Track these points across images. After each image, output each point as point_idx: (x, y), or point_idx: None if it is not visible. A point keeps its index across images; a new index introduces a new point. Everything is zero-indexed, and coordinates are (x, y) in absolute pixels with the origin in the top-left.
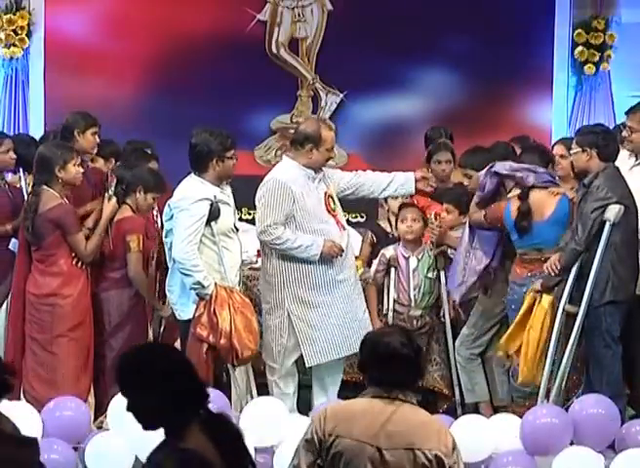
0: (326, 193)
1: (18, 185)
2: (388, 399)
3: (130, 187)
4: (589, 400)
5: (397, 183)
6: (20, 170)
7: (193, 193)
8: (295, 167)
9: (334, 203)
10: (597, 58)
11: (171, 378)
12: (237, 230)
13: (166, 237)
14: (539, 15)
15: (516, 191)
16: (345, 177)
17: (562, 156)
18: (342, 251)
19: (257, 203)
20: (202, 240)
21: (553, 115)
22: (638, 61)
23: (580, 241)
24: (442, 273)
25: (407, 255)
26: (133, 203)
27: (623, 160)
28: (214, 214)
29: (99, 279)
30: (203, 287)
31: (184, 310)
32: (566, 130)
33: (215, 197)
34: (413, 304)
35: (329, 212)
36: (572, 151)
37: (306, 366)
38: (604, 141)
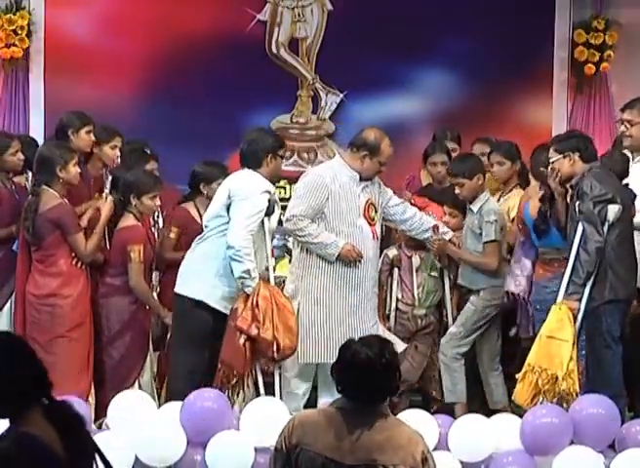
0: (368, 200)
1: (24, 185)
2: (355, 411)
3: (125, 195)
4: (589, 400)
5: (428, 234)
6: (28, 170)
7: (257, 184)
8: (342, 166)
9: (375, 212)
10: (597, 58)
11: (6, 365)
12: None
13: (208, 221)
14: (538, 15)
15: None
16: (394, 200)
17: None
18: (361, 257)
19: (294, 192)
20: (256, 235)
21: (553, 115)
22: (638, 61)
23: (598, 238)
24: (445, 271)
25: (409, 255)
26: (134, 209)
27: None
28: (270, 210)
29: (98, 285)
30: (251, 277)
31: (188, 286)
32: (566, 130)
33: (273, 193)
34: (417, 303)
35: (366, 219)
36: (552, 160)
37: (299, 361)
38: (584, 144)
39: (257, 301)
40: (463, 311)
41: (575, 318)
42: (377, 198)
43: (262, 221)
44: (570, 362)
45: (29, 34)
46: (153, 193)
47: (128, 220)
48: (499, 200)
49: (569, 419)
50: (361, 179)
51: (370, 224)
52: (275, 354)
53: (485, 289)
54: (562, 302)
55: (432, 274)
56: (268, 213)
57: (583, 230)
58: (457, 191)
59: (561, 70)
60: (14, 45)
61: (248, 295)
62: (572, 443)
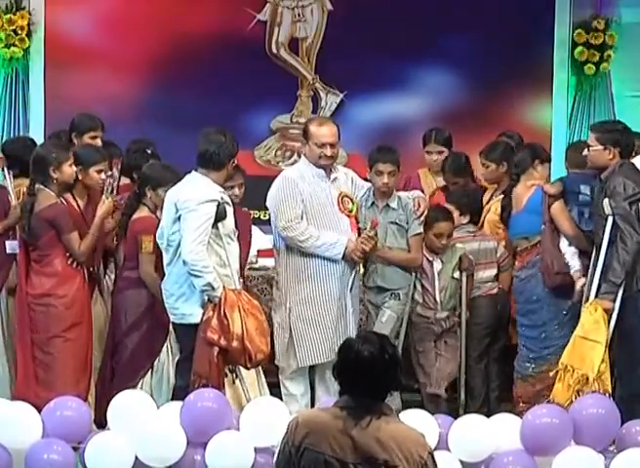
0: (341, 194)
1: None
2: (358, 410)
3: (141, 188)
4: (589, 400)
5: None
6: (5, 169)
7: (201, 194)
8: (304, 164)
9: (352, 204)
10: (597, 58)
11: None
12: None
13: (171, 235)
14: (539, 15)
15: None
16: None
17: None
18: (364, 253)
19: (269, 203)
20: (211, 241)
21: (553, 115)
22: (638, 61)
23: (638, 237)
24: (464, 275)
25: (431, 259)
26: (149, 202)
27: None
28: (220, 215)
29: (116, 280)
30: (213, 288)
31: (186, 314)
32: (566, 130)
33: (222, 198)
34: (439, 307)
35: (342, 212)
36: (593, 148)
37: (299, 365)
38: (627, 140)
39: (224, 311)
40: (386, 320)
41: (609, 318)
42: (350, 190)
43: (218, 227)
44: (601, 364)
45: (29, 34)
46: (167, 187)
47: (141, 212)
48: (489, 201)
49: (569, 419)
50: (327, 173)
51: (348, 217)
52: (248, 363)
53: (403, 288)
54: (596, 302)
55: (455, 276)
56: (219, 218)
57: (619, 229)
58: (383, 185)
59: (561, 70)
60: (14, 45)
61: (215, 305)
62: (572, 443)
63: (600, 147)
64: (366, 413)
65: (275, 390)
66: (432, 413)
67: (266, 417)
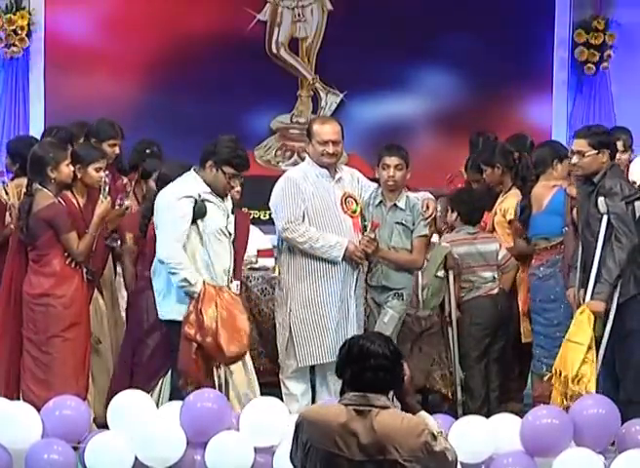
0: (345, 194)
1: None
2: (362, 406)
3: (160, 188)
4: (589, 400)
5: None
6: None
7: (178, 190)
8: (308, 164)
9: (356, 204)
10: (597, 58)
11: None
12: (230, 235)
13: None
14: (539, 15)
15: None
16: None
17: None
18: (365, 254)
19: (271, 203)
20: (191, 239)
21: (553, 115)
22: (638, 61)
23: (633, 237)
24: (450, 273)
25: None
26: None
27: None
28: (199, 212)
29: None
30: (190, 284)
31: (166, 310)
32: (566, 130)
33: (199, 195)
34: (421, 305)
35: (345, 212)
36: (587, 154)
37: (299, 365)
38: (614, 141)
39: (200, 307)
40: (388, 320)
41: (606, 317)
42: (355, 190)
43: (197, 225)
44: (582, 365)
45: (29, 34)
46: None
47: None
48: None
49: (569, 420)
50: (331, 173)
51: (351, 217)
52: (222, 359)
53: (405, 288)
54: (586, 305)
55: (438, 275)
56: (198, 216)
57: (614, 228)
58: (389, 178)
59: (561, 70)
60: (14, 45)
61: (196, 300)
62: (572, 444)
63: (594, 152)
64: (370, 410)
65: (275, 390)
66: None
67: (266, 417)
